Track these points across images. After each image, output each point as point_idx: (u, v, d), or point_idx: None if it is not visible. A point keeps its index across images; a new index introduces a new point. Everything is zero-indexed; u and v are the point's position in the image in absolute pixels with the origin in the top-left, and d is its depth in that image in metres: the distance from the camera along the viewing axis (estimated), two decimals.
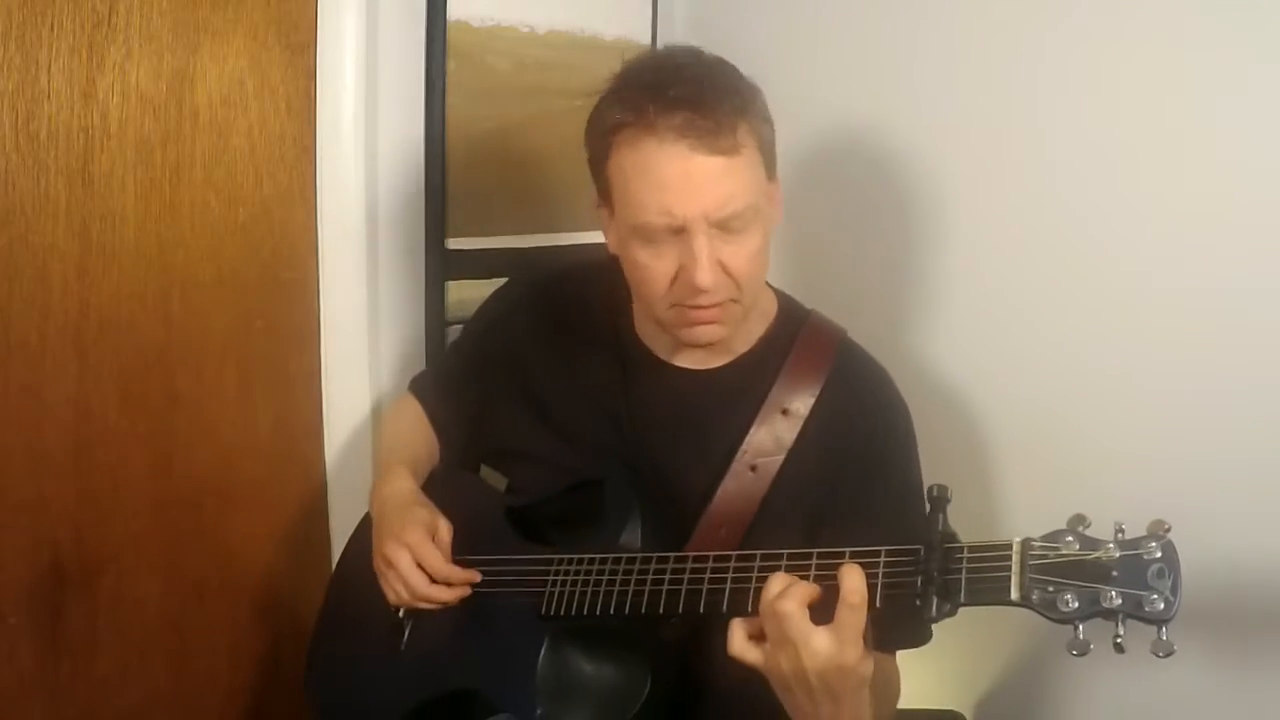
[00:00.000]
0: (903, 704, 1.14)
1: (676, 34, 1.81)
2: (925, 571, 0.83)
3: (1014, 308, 1.40)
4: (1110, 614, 0.76)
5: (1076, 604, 0.77)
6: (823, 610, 0.86)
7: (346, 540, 1.40)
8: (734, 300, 1.06)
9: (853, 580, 0.84)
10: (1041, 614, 0.79)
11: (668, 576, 0.99)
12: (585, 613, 1.03)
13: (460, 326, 1.60)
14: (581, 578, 1.05)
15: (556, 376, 1.23)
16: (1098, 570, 0.77)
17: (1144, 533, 0.78)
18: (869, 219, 1.56)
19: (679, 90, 0.99)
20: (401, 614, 1.19)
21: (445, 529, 1.13)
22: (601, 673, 1.07)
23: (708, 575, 0.96)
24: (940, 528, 0.85)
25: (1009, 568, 0.80)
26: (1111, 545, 0.78)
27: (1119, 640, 0.76)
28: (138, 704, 1.46)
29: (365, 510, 1.40)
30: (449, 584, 1.11)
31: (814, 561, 0.89)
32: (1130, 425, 1.28)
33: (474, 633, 1.14)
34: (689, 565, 0.98)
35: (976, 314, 1.45)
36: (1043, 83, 1.35)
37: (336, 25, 1.46)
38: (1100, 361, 1.31)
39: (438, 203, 1.57)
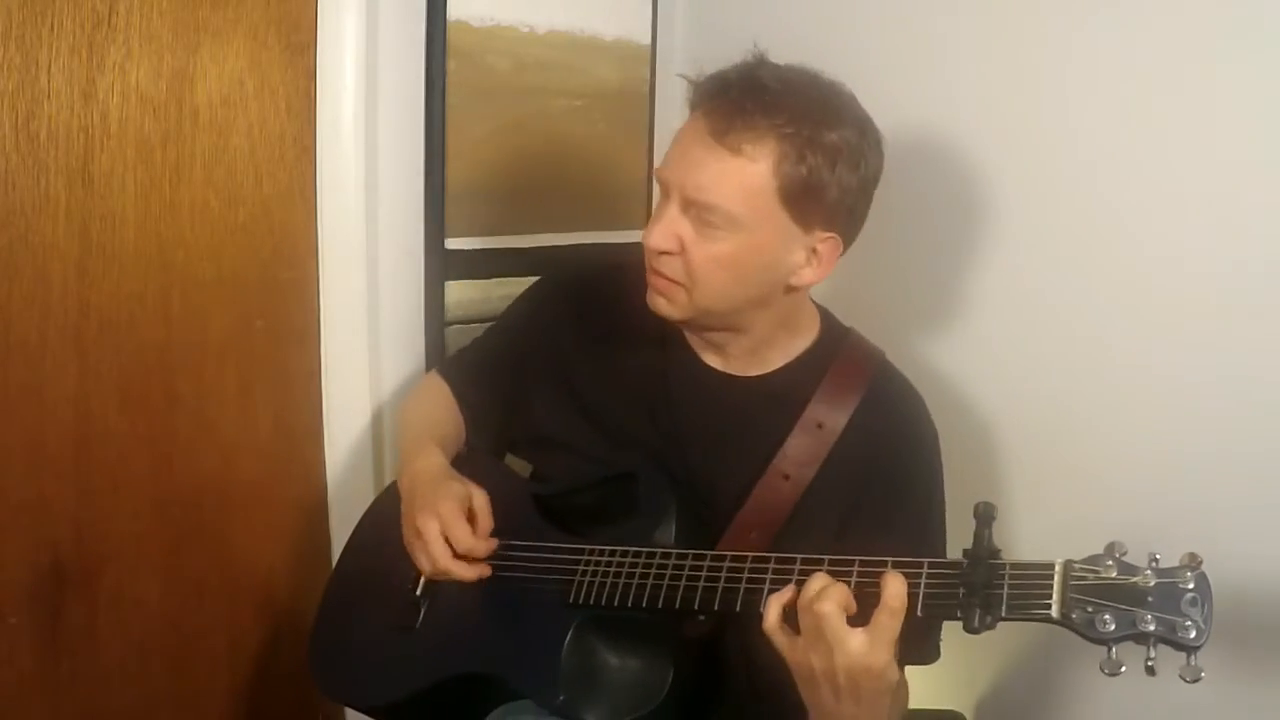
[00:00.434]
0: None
1: (676, 34, 1.81)
2: (969, 583, 0.86)
3: (1020, 309, 1.40)
4: (1144, 637, 0.80)
5: (1113, 626, 0.80)
6: (858, 615, 0.89)
7: (346, 540, 1.40)
8: (681, 285, 1.08)
9: (895, 586, 0.87)
10: (1080, 633, 0.82)
11: (704, 574, 1.01)
12: (617, 603, 1.05)
13: (460, 326, 1.61)
14: (614, 569, 1.07)
15: (599, 369, 1.24)
16: (1135, 595, 0.81)
17: (1178, 563, 0.82)
18: (870, 219, 1.56)
19: (742, 88, 1.03)
20: (419, 592, 1.20)
21: (480, 500, 1.15)
22: (625, 665, 1.08)
23: (745, 575, 0.99)
24: (985, 543, 0.88)
25: (1051, 586, 0.84)
26: (1149, 572, 0.81)
27: (1151, 663, 0.80)
28: (138, 704, 1.46)
29: (365, 510, 1.40)
30: (472, 559, 1.12)
31: (856, 568, 0.92)
32: (1136, 430, 1.28)
33: (496, 616, 1.15)
34: (727, 564, 1.00)
35: (982, 315, 1.45)
36: (1047, 85, 1.35)
37: (336, 25, 1.46)
38: (1117, 366, 1.31)
39: (438, 203, 1.57)
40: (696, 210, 1.05)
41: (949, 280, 1.47)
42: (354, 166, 1.51)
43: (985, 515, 0.89)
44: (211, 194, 1.42)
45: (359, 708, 1.28)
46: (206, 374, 1.46)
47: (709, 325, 1.16)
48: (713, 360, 1.20)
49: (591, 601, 1.07)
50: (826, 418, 1.14)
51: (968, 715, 1.44)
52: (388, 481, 1.44)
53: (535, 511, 1.20)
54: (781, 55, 1.10)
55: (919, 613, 0.88)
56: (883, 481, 1.13)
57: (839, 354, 1.18)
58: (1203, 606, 0.79)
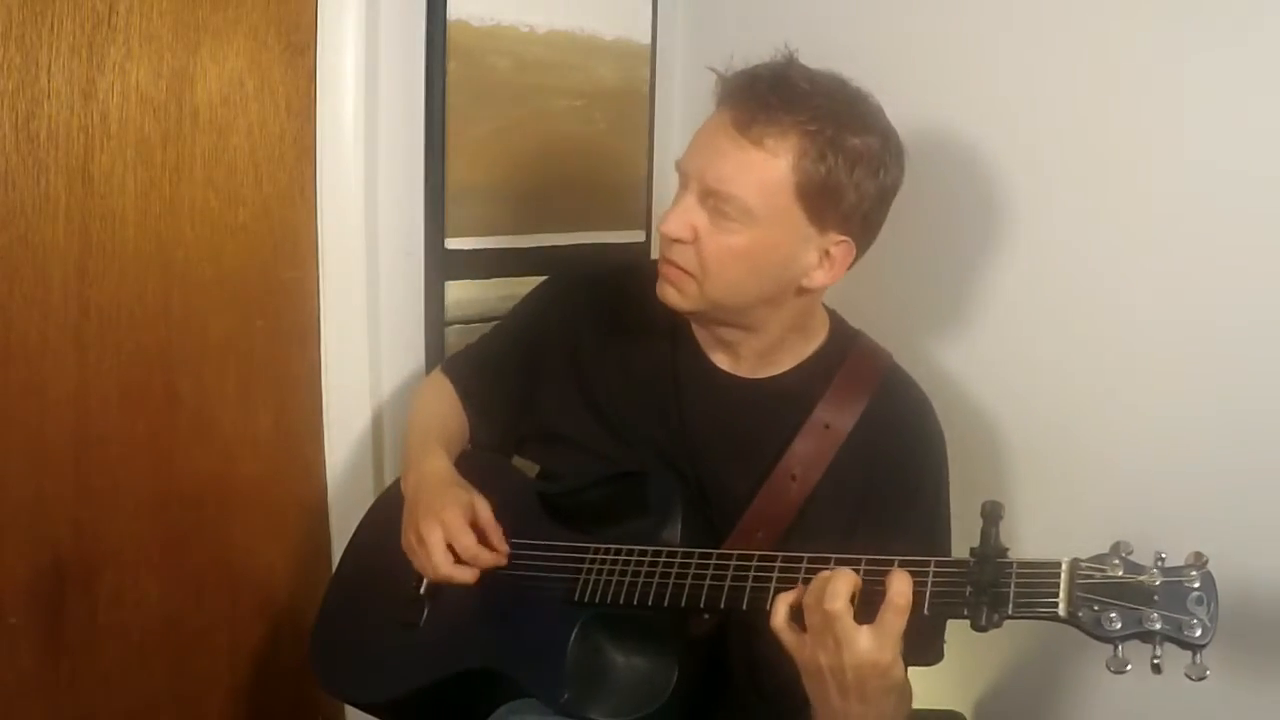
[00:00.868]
0: None
1: (677, 34, 1.81)
2: (976, 582, 0.87)
3: (1033, 316, 1.39)
4: (1150, 636, 0.80)
5: (1120, 624, 0.81)
6: (865, 612, 0.89)
7: (346, 539, 1.40)
8: (692, 276, 1.09)
9: (901, 584, 0.88)
10: (1086, 631, 0.82)
11: (710, 573, 1.01)
12: (622, 602, 1.05)
13: (460, 326, 1.61)
14: (619, 567, 1.07)
15: (610, 367, 1.24)
16: (1141, 593, 0.81)
17: (1183, 562, 0.82)
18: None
19: (769, 84, 1.04)
20: (422, 590, 1.20)
21: (484, 509, 1.15)
22: (630, 664, 1.08)
23: (752, 573, 0.99)
24: (992, 541, 0.88)
25: (1058, 584, 0.84)
26: (1154, 571, 0.82)
27: (1157, 661, 0.80)
28: (138, 704, 1.46)
29: (365, 510, 1.40)
30: (475, 566, 1.12)
31: (863, 567, 0.92)
32: (1148, 435, 1.28)
33: (500, 614, 1.15)
34: (733, 563, 1.01)
35: (981, 318, 1.45)
36: (1047, 87, 1.35)
37: (336, 25, 1.46)
38: (1105, 367, 1.31)
39: (438, 203, 1.57)
40: (714, 200, 1.05)
41: (955, 283, 1.47)
42: (354, 166, 1.51)
43: (993, 514, 0.89)
44: (211, 194, 1.42)
45: (361, 704, 1.28)
46: (206, 374, 1.46)
47: (719, 320, 1.16)
48: (722, 361, 1.20)
49: (597, 600, 1.07)
50: (834, 419, 1.14)
51: (968, 715, 1.44)
52: (388, 481, 1.44)
53: (540, 509, 1.21)
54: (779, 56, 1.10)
55: (925, 611, 0.89)
56: (890, 483, 1.13)
57: (848, 357, 1.19)
58: (1208, 605, 0.80)
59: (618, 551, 1.08)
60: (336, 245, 1.53)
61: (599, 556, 1.09)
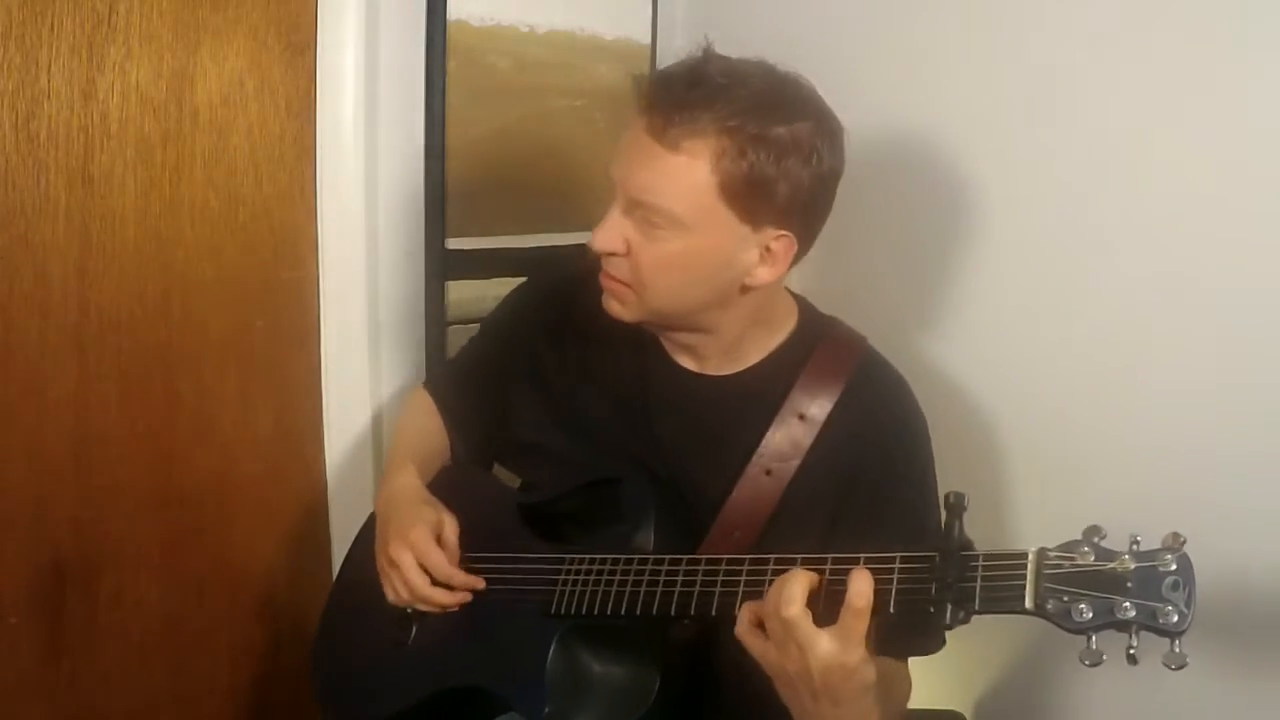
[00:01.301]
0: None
1: (676, 34, 1.81)
2: (940, 578, 0.83)
3: (1029, 311, 1.39)
4: (1124, 625, 0.77)
5: (1090, 614, 0.77)
6: (832, 612, 0.86)
7: (346, 540, 1.40)
8: (630, 287, 1.07)
9: (859, 584, 0.84)
10: (1056, 623, 0.79)
11: (680, 578, 0.99)
12: (595, 612, 1.03)
13: (460, 326, 1.61)
14: (593, 577, 1.05)
15: (578, 374, 1.23)
16: (1113, 581, 0.78)
17: (1159, 545, 0.78)
18: (871, 221, 1.55)
19: (685, 84, 1.00)
20: (409, 609, 1.19)
21: (451, 528, 1.13)
22: (610, 673, 1.07)
23: (720, 578, 0.96)
24: (956, 535, 0.85)
25: (1024, 576, 0.81)
26: (1127, 556, 0.78)
27: (1132, 651, 0.76)
28: (138, 704, 1.46)
29: (366, 509, 1.40)
30: (451, 586, 1.11)
31: (829, 566, 0.89)
32: (1135, 427, 1.28)
33: (482, 629, 1.14)
34: (702, 568, 0.98)
35: (980, 314, 1.45)
36: (1046, 85, 1.35)
37: (336, 25, 1.46)
38: (1104, 362, 1.31)
39: (438, 203, 1.57)
40: (641, 211, 1.03)
41: (954, 280, 1.47)
42: (354, 166, 1.51)
43: (956, 506, 0.86)
44: (211, 194, 1.42)
45: None
46: (206, 374, 1.46)
47: (670, 326, 1.14)
48: (687, 362, 1.18)
49: (572, 611, 1.05)
50: (808, 409, 1.11)
51: (967, 715, 1.44)
52: None
53: (520, 521, 1.18)
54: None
55: (891, 610, 0.85)
56: (872, 473, 1.10)
57: (819, 343, 1.15)
58: (1184, 590, 0.76)
59: (590, 561, 1.06)
60: (336, 245, 1.53)
61: (573, 567, 1.07)
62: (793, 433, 1.11)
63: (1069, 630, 0.78)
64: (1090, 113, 1.30)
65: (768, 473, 1.10)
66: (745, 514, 1.10)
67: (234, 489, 1.51)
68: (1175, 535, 0.78)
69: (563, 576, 1.07)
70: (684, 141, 0.99)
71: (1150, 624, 0.76)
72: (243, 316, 1.48)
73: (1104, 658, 0.77)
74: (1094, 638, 0.78)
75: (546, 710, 1.03)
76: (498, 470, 1.36)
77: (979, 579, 0.82)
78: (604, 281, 1.09)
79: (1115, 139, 1.28)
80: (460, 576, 1.11)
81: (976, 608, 0.82)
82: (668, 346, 1.19)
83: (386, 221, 1.56)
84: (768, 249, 1.05)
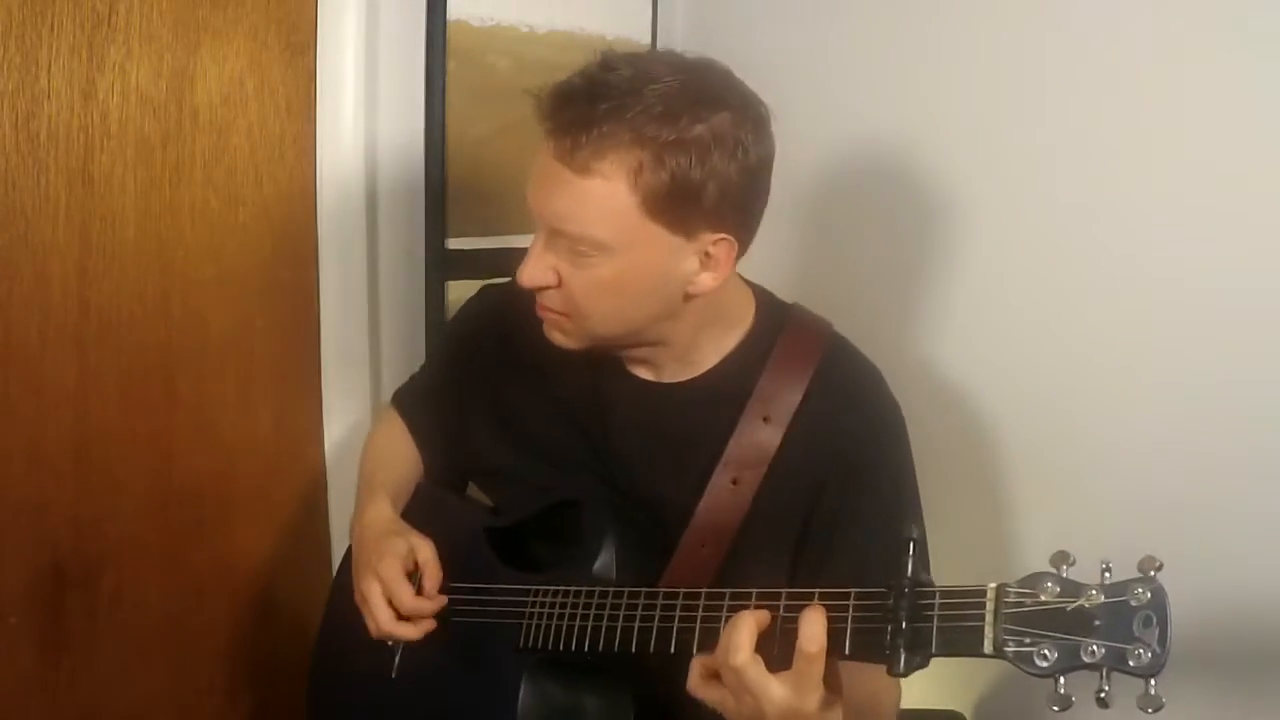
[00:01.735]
0: (903, 704, 1.14)
1: (676, 34, 1.81)
2: (894, 620, 0.77)
3: (1019, 309, 1.40)
4: (1092, 667, 0.71)
5: (1055, 656, 0.71)
6: (787, 650, 0.81)
7: (346, 540, 1.39)
8: (568, 316, 1.02)
9: (810, 628, 0.79)
10: (1019, 668, 0.73)
11: (639, 613, 0.95)
12: (560, 648, 1.00)
13: None
14: (556, 610, 1.01)
15: (531, 392, 1.18)
16: (1078, 620, 0.71)
17: (1134, 573, 0.72)
18: (871, 222, 1.56)
19: (586, 98, 0.93)
20: (390, 640, 1.16)
21: (425, 553, 1.09)
22: (583, 704, 1.04)
23: (678, 614, 0.92)
24: (909, 573, 0.78)
25: (983, 617, 0.74)
26: (1094, 591, 0.71)
27: (1102, 695, 0.70)
28: (138, 704, 1.46)
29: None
30: (420, 617, 1.07)
31: (782, 603, 0.84)
32: (1134, 428, 1.28)
33: (457, 662, 1.10)
34: (660, 602, 0.94)
35: (981, 316, 1.45)
36: (1046, 85, 1.35)
37: (336, 25, 1.46)
38: (1104, 363, 1.31)
39: (438, 203, 1.57)
40: (564, 240, 0.97)
41: (954, 282, 1.47)
42: (354, 167, 1.51)
43: (911, 541, 0.79)
44: (211, 194, 1.42)
45: None
46: (206, 374, 1.46)
47: (619, 345, 1.09)
48: (643, 372, 1.12)
49: (538, 645, 1.02)
50: (772, 409, 1.04)
51: (967, 715, 1.44)
52: None
53: (488, 547, 1.14)
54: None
55: (846, 652, 0.80)
56: (844, 467, 1.04)
57: (780, 335, 1.08)
58: (1157, 626, 0.69)
59: (553, 593, 1.02)
60: (336, 245, 1.53)
61: (539, 599, 1.03)
62: (757, 438, 1.05)
63: (1032, 674, 0.72)
64: (1090, 113, 1.30)
65: (734, 481, 1.04)
66: (713, 527, 1.04)
67: (234, 489, 1.51)
68: (1150, 560, 0.71)
69: (529, 610, 1.04)
70: (594, 163, 0.92)
71: (1120, 666, 0.70)
72: (243, 316, 1.48)
73: (1073, 701, 0.71)
74: (1062, 680, 0.72)
75: None
76: (472, 489, 1.33)
77: (935, 619, 0.76)
78: (541, 313, 1.04)
79: (1115, 139, 1.28)
80: (429, 606, 1.07)
81: (934, 651, 0.76)
82: (622, 358, 1.13)
83: (386, 221, 1.56)
84: (706, 254, 0.99)
